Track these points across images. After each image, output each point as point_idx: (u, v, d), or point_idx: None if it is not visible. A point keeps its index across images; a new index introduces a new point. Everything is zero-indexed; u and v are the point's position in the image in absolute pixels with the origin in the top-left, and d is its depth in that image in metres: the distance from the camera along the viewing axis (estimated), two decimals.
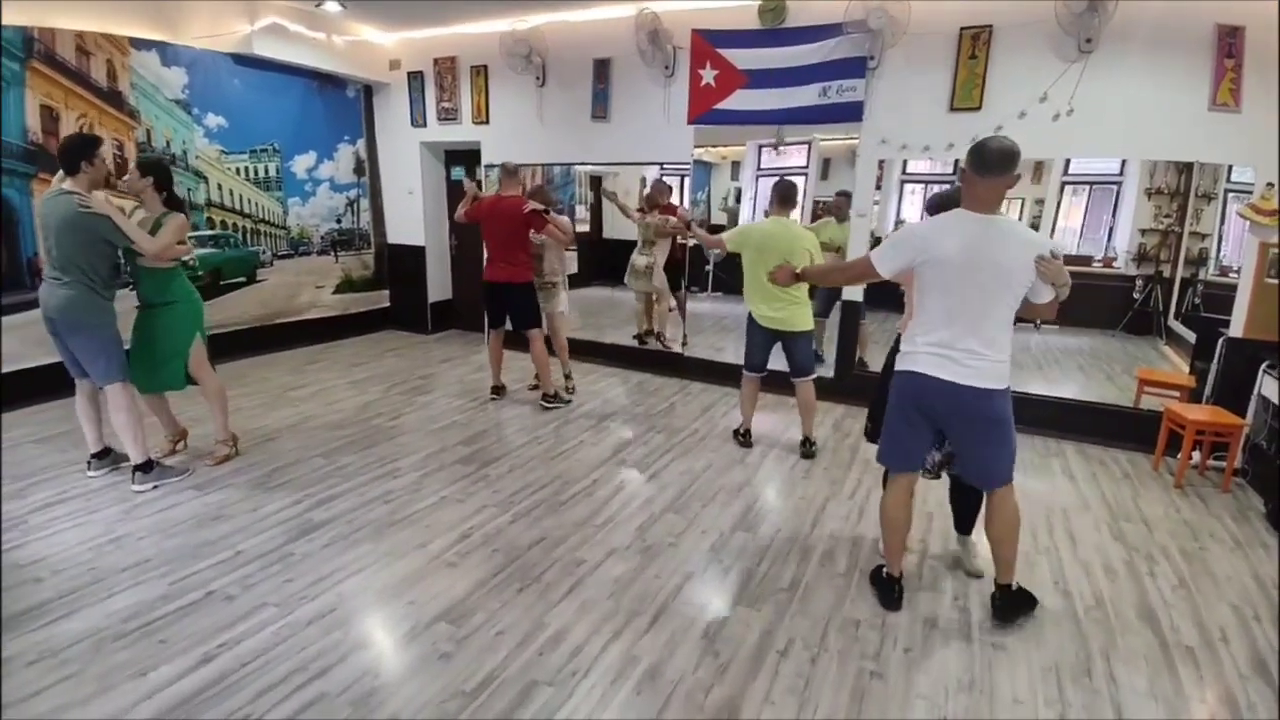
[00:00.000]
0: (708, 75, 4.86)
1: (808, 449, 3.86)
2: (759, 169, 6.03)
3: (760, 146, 5.95)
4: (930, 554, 2.84)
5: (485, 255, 4.52)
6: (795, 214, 4.22)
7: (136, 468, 3.17)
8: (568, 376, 4.92)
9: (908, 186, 5.46)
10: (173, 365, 3.32)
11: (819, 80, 4.52)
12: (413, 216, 6.63)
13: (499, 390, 4.77)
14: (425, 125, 6.33)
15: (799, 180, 6.20)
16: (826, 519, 3.13)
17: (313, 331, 6.19)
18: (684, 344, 5.56)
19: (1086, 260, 5.01)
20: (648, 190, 5.85)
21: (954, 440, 2.33)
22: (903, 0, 4.16)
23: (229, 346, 5.50)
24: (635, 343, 5.87)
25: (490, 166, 6.13)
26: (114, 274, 3.12)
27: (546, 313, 4.72)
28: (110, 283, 3.10)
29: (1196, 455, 3.69)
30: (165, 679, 1.98)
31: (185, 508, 3.03)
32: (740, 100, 4.81)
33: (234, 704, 1.89)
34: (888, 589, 2.48)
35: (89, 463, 3.30)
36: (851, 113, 4.52)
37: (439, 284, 6.84)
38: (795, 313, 3.67)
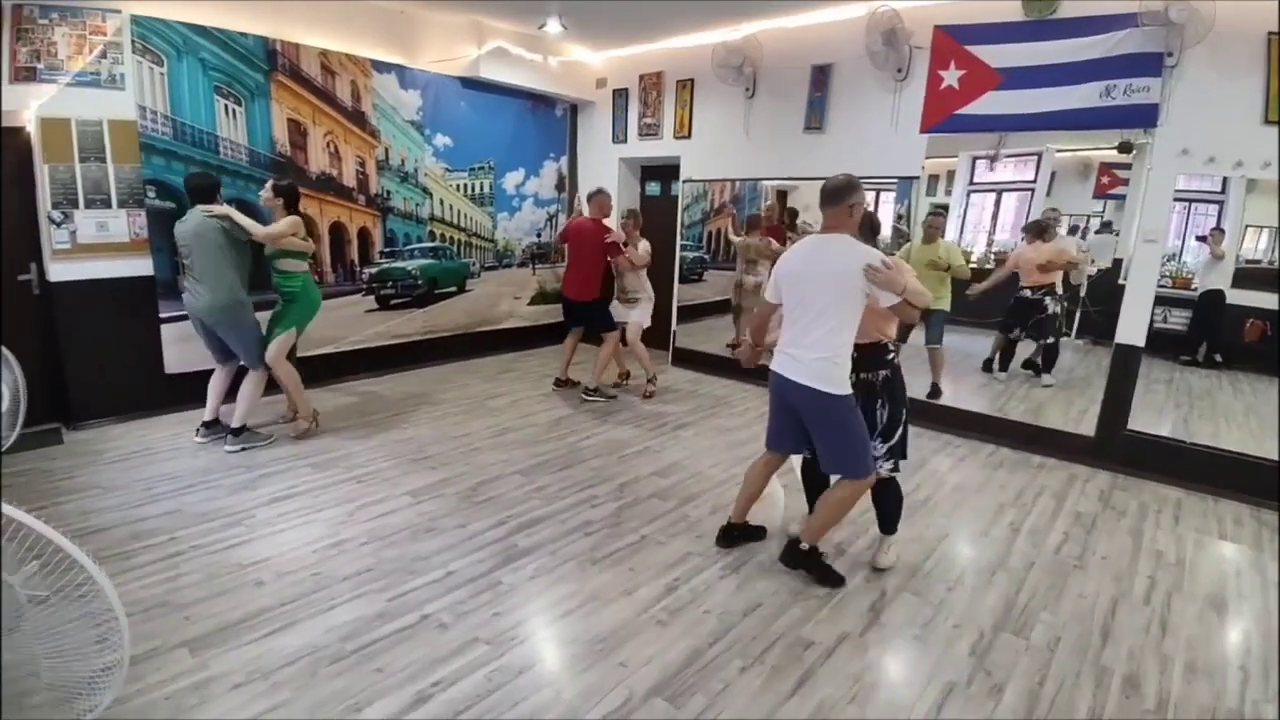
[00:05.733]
0: (950, 77, 4.26)
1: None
2: (971, 183, 5.23)
3: (975, 158, 5.16)
4: (1198, 665, 2.08)
5: (564, 270, 5.07)
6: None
7: (231, 430, 3.74)
8: (647, 379, 5.23)
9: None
10: (264, 343, 3.82)
11: (1101, 78, 3.75)
12: None
13: (561, 384, 5.20)
14: (625, 141, 6.33)
15: (1023, 195, 5.39)
16: (1119, 629, 2.44)
17: (507, 340, 6.40)
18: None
19: None
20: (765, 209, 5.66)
21: (808, 428, 2.55)
22: None
23: (439, 352, 5.85)
24: (728, 351, 5.92)
25: (687, 181, 5.97)
26: (244, 277, 3.71)
27: (622, 321, 5.04)
28: (241, 282, 3.68)
29: None
30: (379, 718, 1.88)
31: (401, 515, 3.08)
32: (991, 104, 4.15)
33: None
34: (722, 532, 2.91)
35: (198, 429, 3.86)
36: (1143, 117, 3.70)
37: None
38: None
